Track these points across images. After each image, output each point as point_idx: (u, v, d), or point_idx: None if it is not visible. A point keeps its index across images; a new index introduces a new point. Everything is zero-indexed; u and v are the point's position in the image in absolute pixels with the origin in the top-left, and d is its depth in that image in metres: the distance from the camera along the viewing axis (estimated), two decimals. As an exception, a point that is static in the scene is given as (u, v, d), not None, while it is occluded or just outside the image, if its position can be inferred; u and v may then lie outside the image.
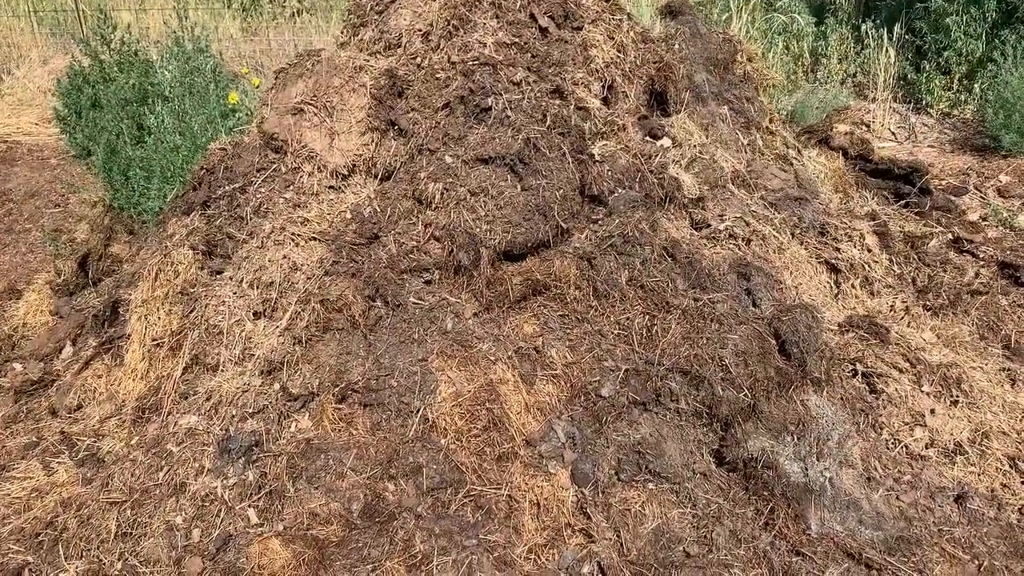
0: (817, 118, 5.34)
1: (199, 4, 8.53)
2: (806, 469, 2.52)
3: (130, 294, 3.16)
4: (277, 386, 2.60)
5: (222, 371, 2.66)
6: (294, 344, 2.65)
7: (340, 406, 2.56)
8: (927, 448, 2.78)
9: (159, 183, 3.85)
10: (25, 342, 3.58)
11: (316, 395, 2.58)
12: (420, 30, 3.07)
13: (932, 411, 2.86)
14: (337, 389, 2.56)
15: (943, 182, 4.70)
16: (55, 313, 3.70)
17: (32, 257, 4.41)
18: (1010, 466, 2.73)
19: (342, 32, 3.32)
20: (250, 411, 2.56)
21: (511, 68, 2.93)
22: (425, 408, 2.54)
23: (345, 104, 2.98)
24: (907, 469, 2.69)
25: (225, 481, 2.47)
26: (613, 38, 3.26)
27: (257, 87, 4.71)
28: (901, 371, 2.94)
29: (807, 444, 2.57)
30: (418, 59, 3.05)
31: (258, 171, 2.96)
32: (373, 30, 3.15)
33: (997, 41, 5.62)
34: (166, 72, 4.49)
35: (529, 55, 3.02)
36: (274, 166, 2.95)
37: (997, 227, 4.20)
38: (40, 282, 3.89)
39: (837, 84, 6.21)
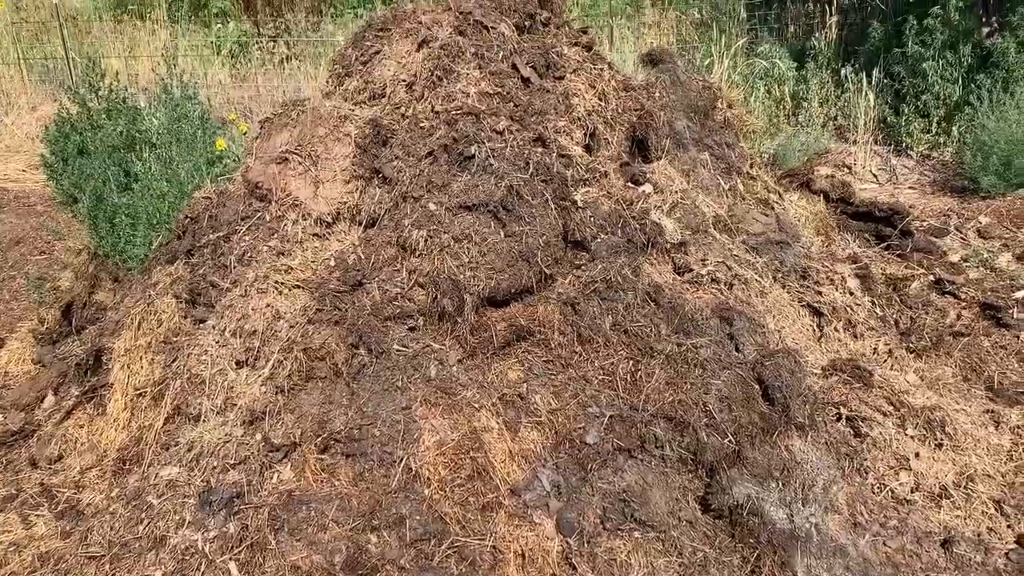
0: (799, 161, 5.42)
1: (189, 50, 8.61)
2: (792, 515, 2.51)
3: (113, 343, 3.14)
4: (259, 436, 2.58)
5: (204, 421, 2.64)
6: (276, 393, 2.63)
7: (322, 456, 2.54)
8: (913, 492, 2.77)
9: (145, 230, 3.85)
10: (6, 391, 3.55)
11: (298, 445, 2.56)
12: (404, 80, 3.11)
13: (917, 454, 2.86)
14: (319, 439, 2.55)
15: (924, 223, 4.75)
16: (38, 362, 3.68)
17: (16, 305, 4.39)
18: (996, 509, 2.73)
19: (327, 82, 3.36)
20: (232, 462, 2.53)
21: (494, 117, 2.96)
22: (408, 457, 2.52)
23: (330, 153, 3.00)
24: (893, 514, 2.69)
25: (206, 534, 2.43)
26: (595, 87, 3.31)
27: (244, 133, 4.75)
28: (885, 414, 2.95)
29: (792, 490, 2.57)
30: (402, 109, 3.09)
31: (242, 220, 2.97)
32: (358, 80, 3.19)
33: (973, 85, 5.72)
34: (154, 119, 4.52)
35: (512, 104, 3.06)
36: (258, 214, 2.97)
37: (978, 268, 4.24)
38: (23, 330, 3.87)
39: (819, 127, 6.30)
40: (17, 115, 7.29)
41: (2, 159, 6.57)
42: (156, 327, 2.99)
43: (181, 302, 2.97)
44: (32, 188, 6.00)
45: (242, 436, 2.61)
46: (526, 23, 3.40)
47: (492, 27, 3.22)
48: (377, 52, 3.20)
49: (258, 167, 3.02)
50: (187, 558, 2.39)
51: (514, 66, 3.17)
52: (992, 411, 3.12)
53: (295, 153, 2.98)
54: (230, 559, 2.39)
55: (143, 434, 2.81)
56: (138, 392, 2.91)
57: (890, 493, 2.74)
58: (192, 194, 3.46)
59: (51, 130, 4.47)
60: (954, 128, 5.85)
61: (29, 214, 5.61)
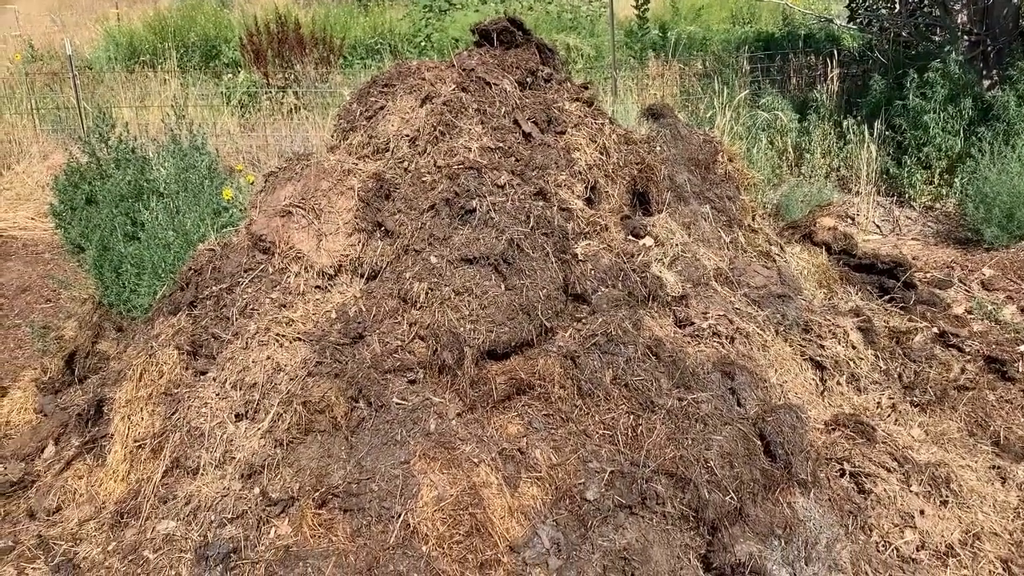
0: (802, 211, 5.44)
1: (199, 100, 8.76)
2: (795, 574, 2.48)
3: (115, 393, 3.15)
4: (257, 490, 2.57)
5: (202, 474, 2.63)
6: (275, 447, 2.62)
7: (320, 511, 2.52)
8: (918, 551, 2.73)
9: (150, 280, 3.88)
10: (7, 441, 3.55)
11: (296, 500, 2.54)
12: (407, 135, 3.16)
13: (922, 512, 2.82)
14: (317, 494, 2.53)
15: (927, 275, 4.75)
16: (39, 411, 3.68)
17: (20, 353, 4.41)
18: (1003, 569, 2.68)
19: (332, 136, 3.41)
20: (229, 516, 2.52)
21: (495, 172, 3.00)
22: (406, 513, 2.50)
23: (333, 206, 3.03)
24: (898, 573, 2.64)
25: (201, 590, 2.41)
26: (595, 141, 3.35)
27: (251, 184, 4.80)
28: (889, 471, 2.92)
29: (795, 548, 2.53)
30: (405, 163, 3.13)
31: (245, 272, 3.00)
32: (362, 135, 3.23)
33: (974, 138, 5.77)
34: (162, 169, 4.58)
35: (513, 159, 3.10)
36: (261, 267, 2.99)
37: (982, 320, 4.22)
38: (26, 379, 3.88)
39: (821, 178, 6.34)
40: (28, 163, 7.40)
41: (12, 207, 6.65)
42: (157, 378, 2.99)
43: (183, 353, 2.98)
44: (40, 236, 6.07)
45: (240, 490, 2.59)
46: (528, 79, 3.45)
47: (495, 83, 3.27)
48: (381, 107, 3.25)
49: (262, 220, 3.05)
50: (182, 615, 2.37)
51: (516, 121, 3.21)
52: (998, 467, 3.09)
53: (299, 206, 3.01)
54: (225, 616, 2.36)
55: (142, 486, 2.80)
56: (138, 444, 2.90)
57: (895, 551, 2.70)
58: (197, 244, 3.50)
59: (60, 179, 4.54)
60: (956, 180, 5.88)
61: (36, 262, 5.67)
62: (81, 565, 2.67)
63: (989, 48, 6.54)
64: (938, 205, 6.03)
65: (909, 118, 6.12)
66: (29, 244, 6.00)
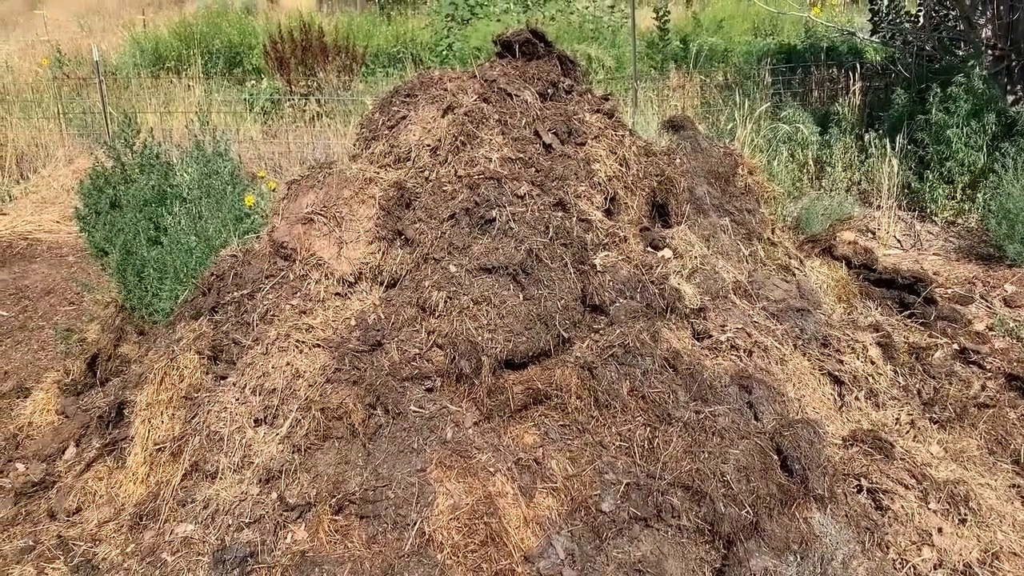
0: (823, 225, 5.41)
1: (222, 107, 8.85)
2: (810, 591, 2.46)
3: (136, 396, 3.18)
4: (275, 495, 2.59)
5: (221, 479, 2.65)
6: (293, 452, 2.65)
7: (336, 517, 2.54)
8: (936, 569, 2.71)
9: (172, 284, 3.92)
10: (30, 442, 3.59)
11: (313, 505, 2.56)
12: (429, 145, 3.18)
13: (940, 530, 2.80)
14: (334, 500, 2.55)
15: (948, 291, 4.72)
16: (61, 413, 3.73)
17: (43, 355, 4.46)
18: (1023, 590, 2.66)
19: (354, 145, 3.44)
20: (246, 520, 2.54)
21: (515, 182, 3.01)
22: (422, 521, 2.51)
23: (354, 214, 3.06)
24: (916, 591, 2.62)
25: (218, 593, 2.43)
26: (615, 153, 3.36)
27: (273, 190, 4.85)
28: (907, 487, 2.90)
29: (811, 564, 2.52)
30: (426, 172, 3.15)
31: (267, 278, 3.03)
32: (384, 144, 3.26)
33: (998, 153, 5.72)
34: (185, 174, 4.64)
35: (533, 170, 3.12)
36: (282, 273, 3.02)
37: (1004, 337, 4.18)
38: (49, 381, 3.93)
39: (842, 192, 6.30)
40: (54, 167, 7.50)
41: (38, 210, 6.74)
42: (178, 382, 3.03)
43: (203, 358, 3.01)
44: (65, 239, 6.14)
45: (258, 494, 2.61)
46: (549, 90, 3.47)
47: (516, 94, 3.29)
48: (403, 117, 3.28)
49: (283, 227, 3.08)
50: (198, 618, 2.39)
51: (536, 132, 3.23)
52: (1018, 485, 3.06)
53: (320, 214, 3.04)
54: (241, 620, 2.38)
55: (160, 489, 2.82)
56: (157, 447, 2.93)
57: (912, 569, 2.68)
58: (219, 250, 3.54)
59: (85, 183, 4.60)
60: (979, 195, 5.83)
61: (61, 265, 5.74)
62: (100, 566, 2.70)
63: (1013, 63, 6.48)
64: (960, 220, 5.99)
65: (931, 132, 6.08)
66: (54, 247, 6.08)
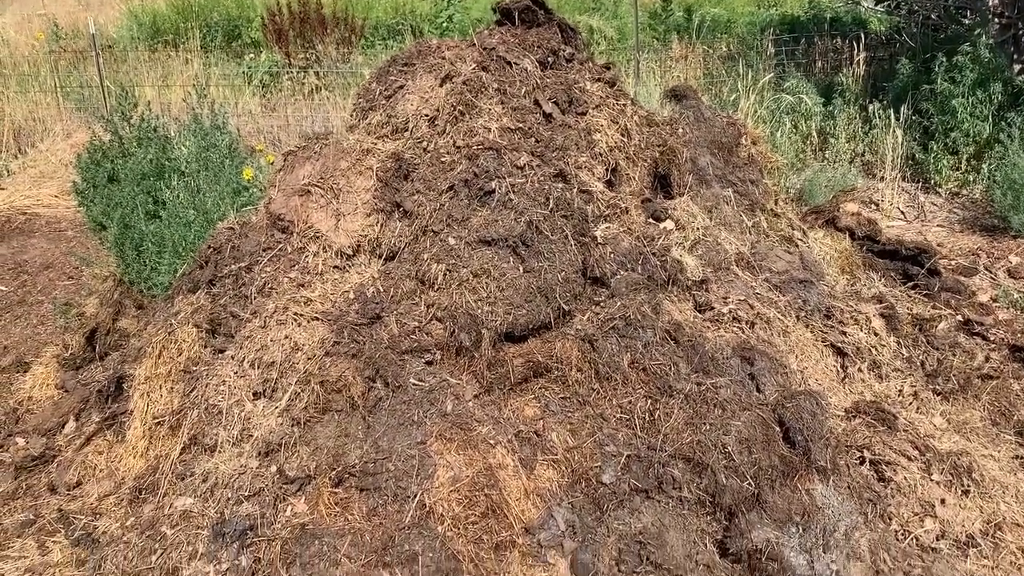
0: (826, 196, 5.37)
1: (220, 80, 8.77)
2: (812, 562, 2.46)
3: (135, 370, 3.17)
4: (274, 468, 2.58)
5: (219, 452, 2.64)
6: (292, 425, 2.63)
7: (336, 490, 2.53)
8: (938, 540, 2.70)
9: (170, 258, 3.90)
10: (30, 416, 3.58)
11: (313, 478, 2.55)
12: (427, 115, 3.14)
13: (943, 501, 2.79)
14: (334, 472, 2.54)
15: (952, 262, 4.68)
16: (61, 387, 3.72)
17: (42, 329, 4.45)
18: (1025, 560, 2.65)
19: (351, 115, 3.39)
20: (246, 494, 2.53)
21: (515, 152, 2.97)
22: (422, 493, 2.50)
23: (352, 186, 3.02)
24: (917, 562, 2.61)
25: (218, 566, 2.43)
26: (617, 122, 3.31)
27: (271, 163, 4.80)
28: (910, 459, 2.88)
29: (813, 535, 2.51)
30: (424, 143, 3.11)
31: (264, 251, 3.00)
32: (381, 114, 3.21)
33: (1004, 123, 5.66)
34: (183, 147, 4.59)
35: (533, 140, 3.07)
36: (280, 246, 2.99)
37: (1008, 309, 4.16)
38: (48, 355, 3.92)
39: (846, 163, 6.25)
40: (52, 141, 7.45)
41: (36, 184, 6.70)
42: (176, 356, 3.01)
43: (202, 332, 2.99)
44: (63, 214, 6.11)
45: (257, 468, 2.60)
46: (549, 59, 3.41)
47: (515, 63, 3.24)
48: (401, 87, 3.23)
49: (280, 199, 3.04)
50: (199, 591, 2.39)
51: (536, 102, 3.18)
52: (1022, 457, 3.05)
53: (317, 186, 3.00)
54: (241, 593, 2.38)
55: (160, 463, 2.81)
56: (156, 421, 2.92)
57: (914, 541, 2.67)
58: (217, 223, 3.50)
59: (83, 157, 4.55)
60: (984, 166, 5.78)
61: (59, 239, 5.71)
62: (100, 539, 2.69)
63: (1020, 31, 6.40)
64: (964, 191, 5.94)
65: (937, 103, 6.01)
66: (52, 221, 6.04)
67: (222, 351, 2.90)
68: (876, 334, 3.40)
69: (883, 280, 4.06)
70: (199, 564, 2.44)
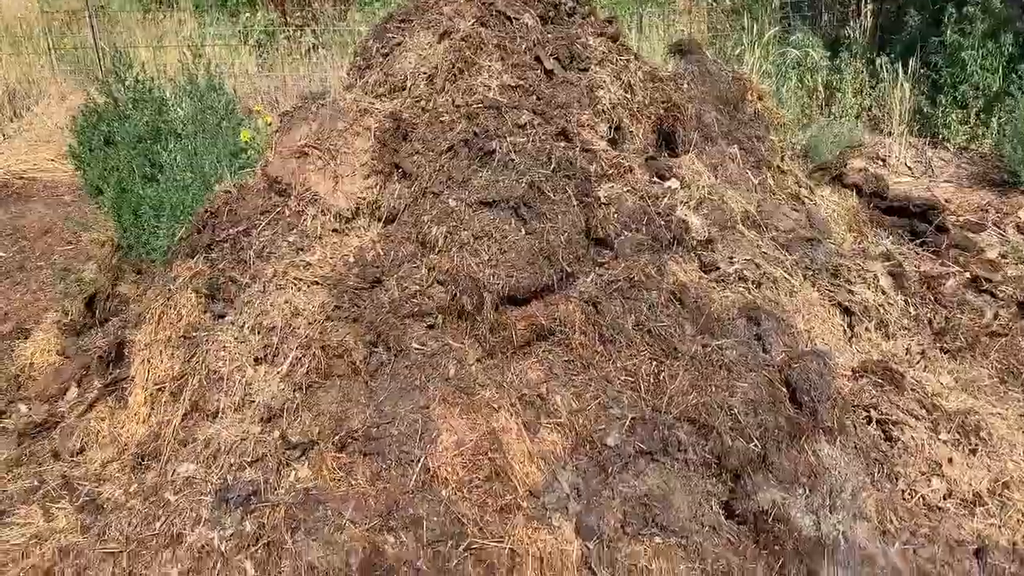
0: (832, 152, 5.28)
1: (216, 40, 8.62)
2: (818, 522, 2.44)
3: (135, 336, 3.14)
4: (276, 434, 2.56)
5: (221, 418, 2.62)
6: (294, 391, 2.61)
7: (340, 455, 2.51)
8: (945, 499, 2.69)
9: (168, 222, 3.84)
10: (31, 383, 3.56)
11: (316, 443, 2.53)
12: (425, 73, 3.06)
13: (950, 460, 2.77)
14: (337, 437, 2.52)
15: (960, 218, 4.62)
16: (62, 353, 3.69)
17: (42, 295, 4.42)
18: (1032, 519, 2.64)
19: (348, 74, 3.32)
20: (248, 460, 2.52)
21: (516, 111, 2.90)
22: (426, 457, 2.49)
23: (349, 147, 2.96)
24: (924, 522, 2.60)
25: (222, 532, 2.42)
26: (620, 78, 3.24)
27: (269, 124, 4.73)
28: (917, 418, 2.86)
29: (819, 496, 2.50)
30: (422, 102, 3.04)
31: (262, 214, 2.95)
32: (378, 73, 3.14)
33: (1014, 76, 5.55)
34: (179, 109, 4.51)
35: (534, 97, 3.00)
36: (278, 209, 2.94)
37: (1017, 265, 4.10)
38: (48, 322, 3.89)
39: (852, 118, 6.15)
40: (47, 105, 7.35)
41: (32, 148, 6.63)
42: (176, 321, 2.98)
43: (201, 297, 2.95)
44: (60, 178, 6.05)
45: (259, 433, 2.59)
46: (550, 13, 3.33)
47: (515, 17, 3.16)
48: (398, 44, 3.15)
49: (278, 161, 2.99)
50: (203, 557, 2.38)
51: (537, 58, 3.10)
52: (1029, 415, 3.02)
53: (315, 147, 2.95)
54: (246, 558, 2.37)
55: (162, 429, 2.80)
56: (157, 386, 2.90)
57: (921, 500, 2.66)
58: (215, 186, 3.45)
59: (79, 120, 4.48)
60: (993, 120, 5.68)
61: (57, 204, 5.66)
62: (104, 505, 2.69)
63: (1033, -20, 6.25)
64: (973, 146, 5.85)
65: (945, 55, 5.90)
66: (50, 185, 5.99)
67: (222, 316, 2.87)
68: (883, 292, 3.36)
69: (890, 237, 4.01)
70: (203, 530, 2.43)
